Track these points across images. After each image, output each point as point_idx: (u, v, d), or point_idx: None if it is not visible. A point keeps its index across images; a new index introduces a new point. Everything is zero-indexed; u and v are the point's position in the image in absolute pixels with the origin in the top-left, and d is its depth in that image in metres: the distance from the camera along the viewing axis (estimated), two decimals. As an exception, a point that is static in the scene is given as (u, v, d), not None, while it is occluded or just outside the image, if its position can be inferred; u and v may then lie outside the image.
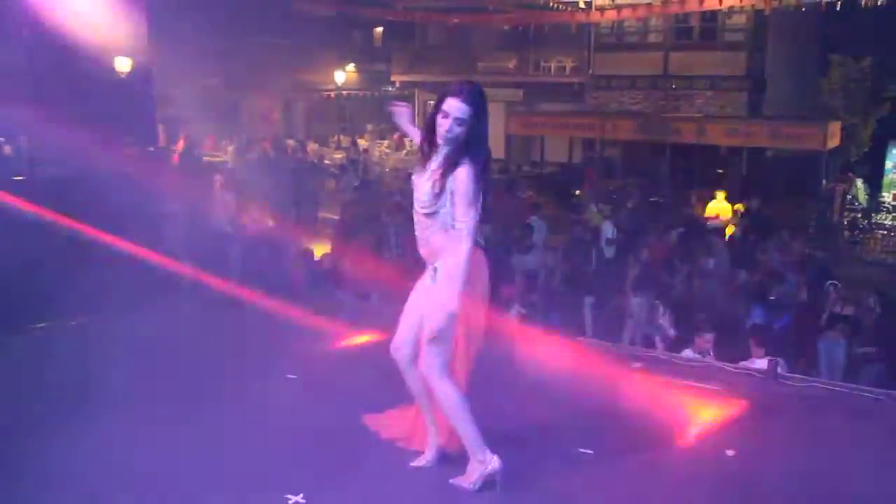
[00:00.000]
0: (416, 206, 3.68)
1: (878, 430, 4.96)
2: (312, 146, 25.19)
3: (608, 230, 11.58)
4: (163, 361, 5.36)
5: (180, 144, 16.84)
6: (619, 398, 5.01)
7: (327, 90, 29.57)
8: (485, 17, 21.59)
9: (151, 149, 8.59)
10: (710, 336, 6.98)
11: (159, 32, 8.33)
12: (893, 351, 7.97)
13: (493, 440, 3.78)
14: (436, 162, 3.62)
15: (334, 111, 30.82)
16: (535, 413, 4.78)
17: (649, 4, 17.98)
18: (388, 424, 4.35)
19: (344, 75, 29.10)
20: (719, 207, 14.73)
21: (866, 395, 5.61)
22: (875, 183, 22.58)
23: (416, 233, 3.73)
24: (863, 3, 16.88)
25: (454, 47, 26.94)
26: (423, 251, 3.74)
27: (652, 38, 23.68)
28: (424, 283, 3.77)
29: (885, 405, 5.34)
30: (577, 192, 18.37)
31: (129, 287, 6.15)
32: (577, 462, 4.19)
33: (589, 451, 4.29)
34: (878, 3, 16.74)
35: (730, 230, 13.44)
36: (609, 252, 10.96)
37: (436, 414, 3.90)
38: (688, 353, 7.04)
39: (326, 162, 23.07)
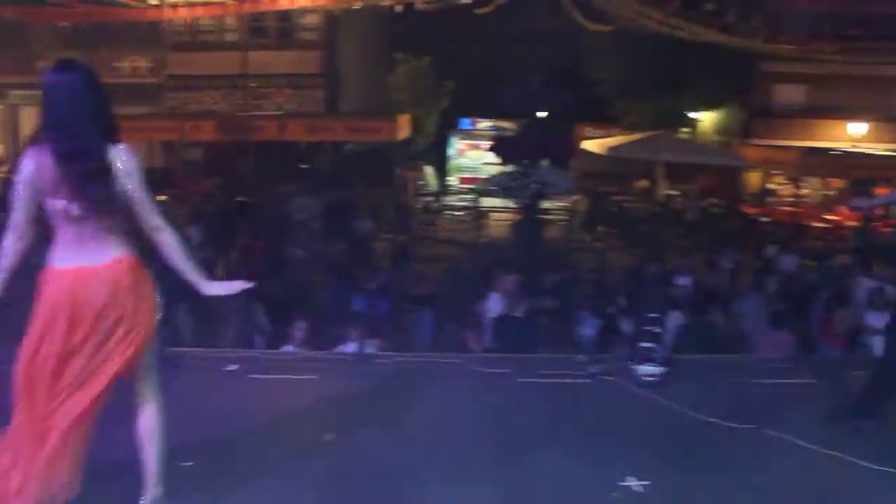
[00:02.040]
0: None
1: (459, 387, 5.48)
2: None
3: (195, 235, 11.25)
4: None
5: None
6: (214, 404, 4.93)
7: None
8: (41, 12, 19.70)
9: None
10: (302, 325, 7.12)
11: None
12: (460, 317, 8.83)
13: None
14: None
15: None
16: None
17: (223, 3, 17.83)
18: None
19: None
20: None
21: (447, 360, 6.17)
22: (442, 169, 24.97)
23: None
24: (419, 7, 18.46)
25: (9, 44, 24.23)
26: None
27: (229, 37, 23.57)
28: None
29: (463, 367, 5.91)
30: (162, 197, 17.67)
31: None
32: (177, 479, 4.01)
33: (189, 464, 4.13)
34: (434, 8, 18.42)
35: None
36: (198, 257, 10.66)
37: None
38: (287, 347, 7.11)
39: None
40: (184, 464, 4.05)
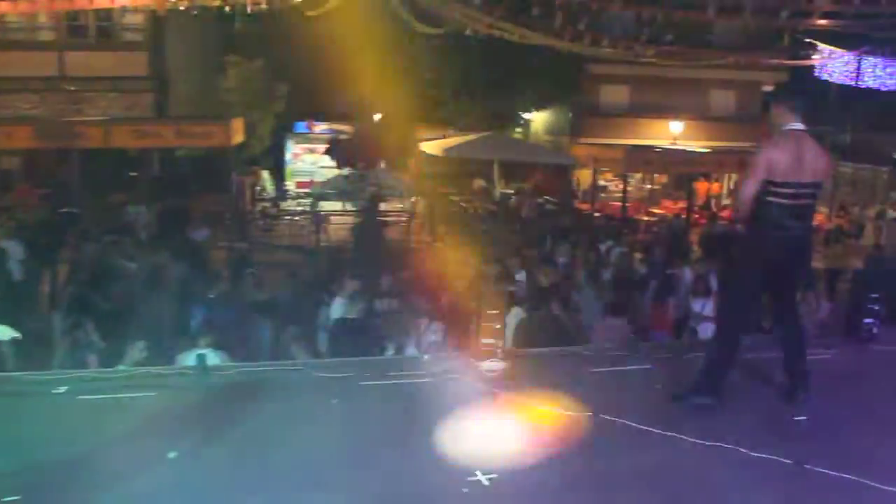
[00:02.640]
0: None
1: (303, 394, 5.41)
2: None
3: (16, 250, 10.52)
4: None
5: None
6: (41, 430, 4.65)
7: None
8: None
9: None
10: (139, 344, 6.81)
11: None
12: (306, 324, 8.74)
13: None
14: None
15: None
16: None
17: (33, 0, 16.73)
18: None
19: None
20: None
21: (290, 367, 6.09)
22: (279, 173, 24.58)
23: None
24: (249, 9, 18.05)
25: None
26: None
27: (44, 36, 22.16)
28: None
29: (306, 373, 5.84)
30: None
31: None
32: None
33: (14, 498, 3.85)
34: (265, 10, 18.05)
35: None
36: (19, 273, 10.00)
37: None
38: (121, 366, 6.78)
39: None
40: (8, 499, 3.79)
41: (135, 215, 14.48)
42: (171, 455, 4.37)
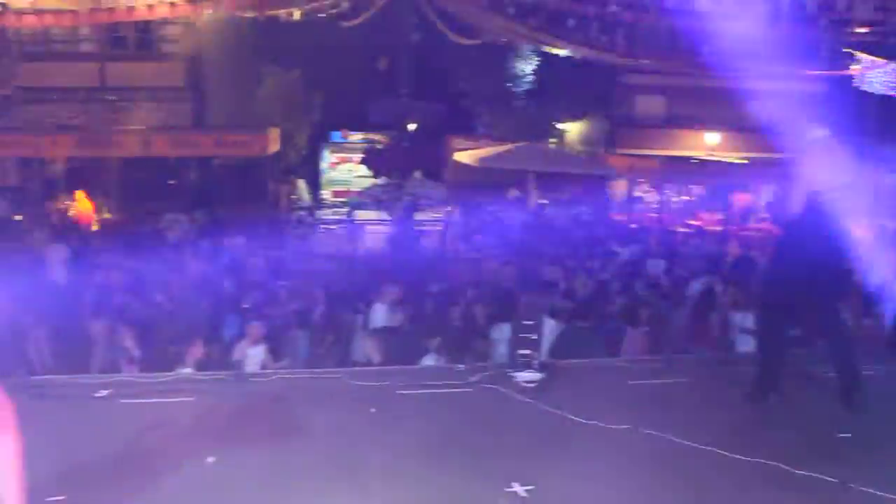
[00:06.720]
0: None
1: (340, 403, 5.42)
2: None
3: (60, 253, 10.68)
4: None
5: None
6: (84, 433, 4.69)
7: None
8: None
9: None
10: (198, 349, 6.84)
11: None
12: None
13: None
14: None
15: None
16: None
17: (75, 12, 17.03)
18: None
19: None
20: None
21: (326, 376, 6.10)
22: (315, 182, 24.73)
23: None
24: (282, 19, 18.23)
25: None
26: None
27: (85, 47, 22.52)
28: None
29: (342, 381, 5.84)
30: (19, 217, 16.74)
31: None
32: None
33: (60, 498, 3.90)
34: (297, 20, 18.21)
35: None
36: (62, 278, 10.12)
37: None
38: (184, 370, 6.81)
39: None
40: (54, 498, 3.84)
41: (173, 223, 14.62)
42: (211, 460, 4.40)
